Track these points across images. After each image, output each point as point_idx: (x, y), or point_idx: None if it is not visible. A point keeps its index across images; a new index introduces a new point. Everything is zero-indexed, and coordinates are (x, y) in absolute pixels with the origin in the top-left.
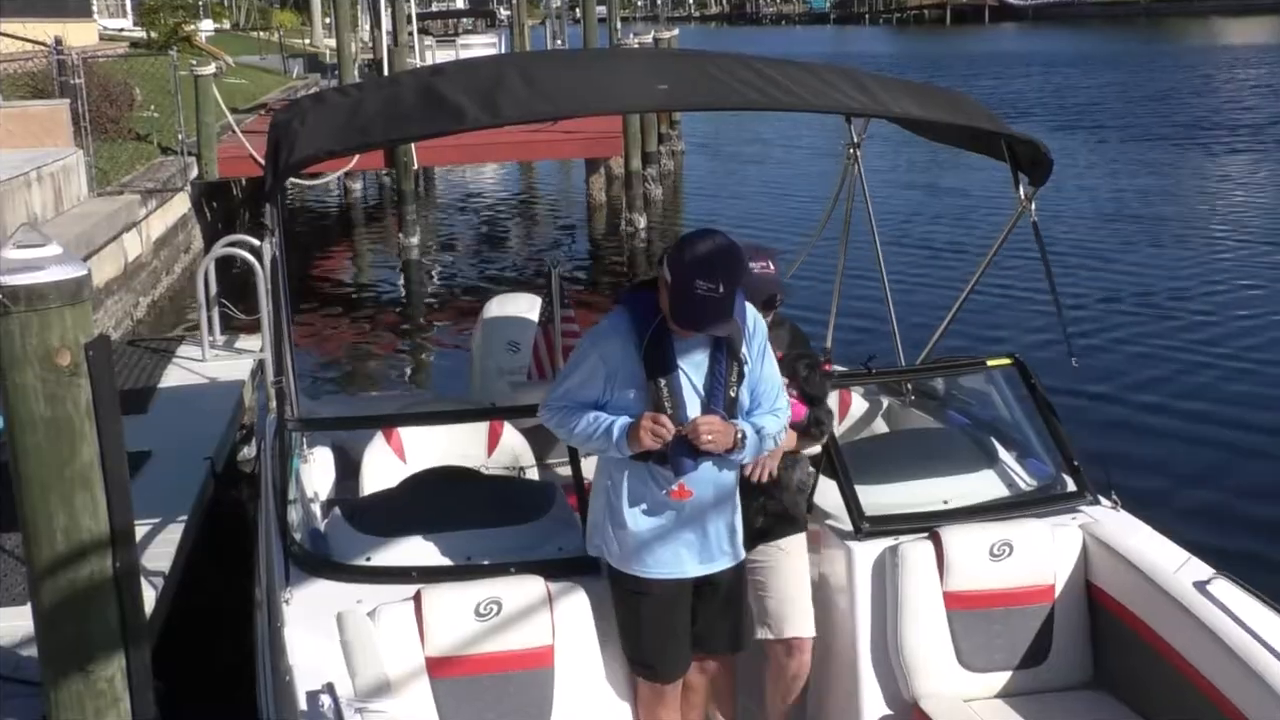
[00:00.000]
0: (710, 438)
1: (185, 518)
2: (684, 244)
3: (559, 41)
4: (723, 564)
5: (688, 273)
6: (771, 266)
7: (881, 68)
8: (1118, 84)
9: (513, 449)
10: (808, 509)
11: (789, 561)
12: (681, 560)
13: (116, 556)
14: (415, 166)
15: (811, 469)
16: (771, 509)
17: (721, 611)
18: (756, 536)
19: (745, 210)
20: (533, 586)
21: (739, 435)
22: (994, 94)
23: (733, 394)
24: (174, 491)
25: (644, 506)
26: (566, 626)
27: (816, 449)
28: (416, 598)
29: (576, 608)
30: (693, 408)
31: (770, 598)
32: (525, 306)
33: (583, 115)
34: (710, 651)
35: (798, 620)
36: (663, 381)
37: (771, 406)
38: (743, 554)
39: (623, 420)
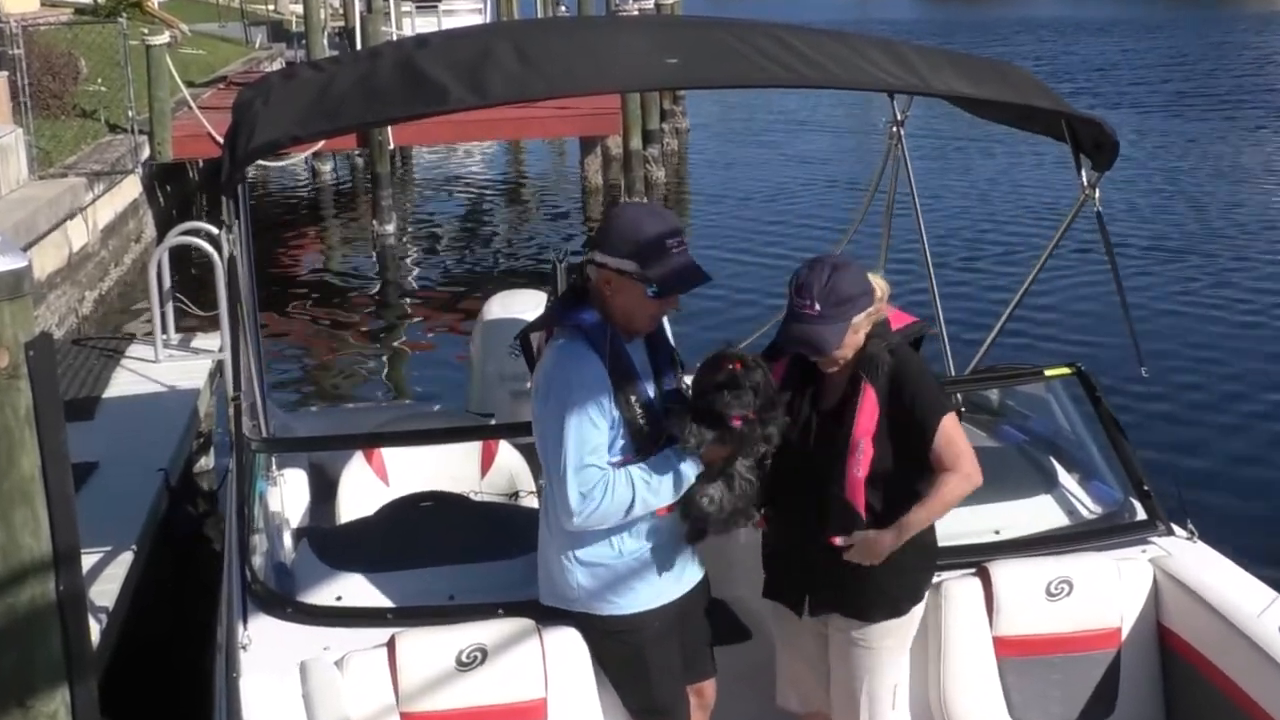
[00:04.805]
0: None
1: (136, 536)
2: (625, 225)
3: (562, 8)
4: (701, 570)
5: (659, 239)
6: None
7: (905, 36)
8: (1179, 56)
9: (509, 470)
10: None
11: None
12: (671, 581)
13: (60, 578)
14: (391, 146)
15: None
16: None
17: (702, 626)
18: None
19: (761, 197)
20: (523, 631)
21: None
22: (1034, 67)
23: (682, 388)
24: (124, 506)
25: (628, 533)
26: (561, 677)
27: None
28: (390, 644)
29: (572, 656)
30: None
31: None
32: (530, 305)
33: (582, 94)
34: (700, 675)
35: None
36: (633, 396)
37: None
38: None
39: (674, 458)
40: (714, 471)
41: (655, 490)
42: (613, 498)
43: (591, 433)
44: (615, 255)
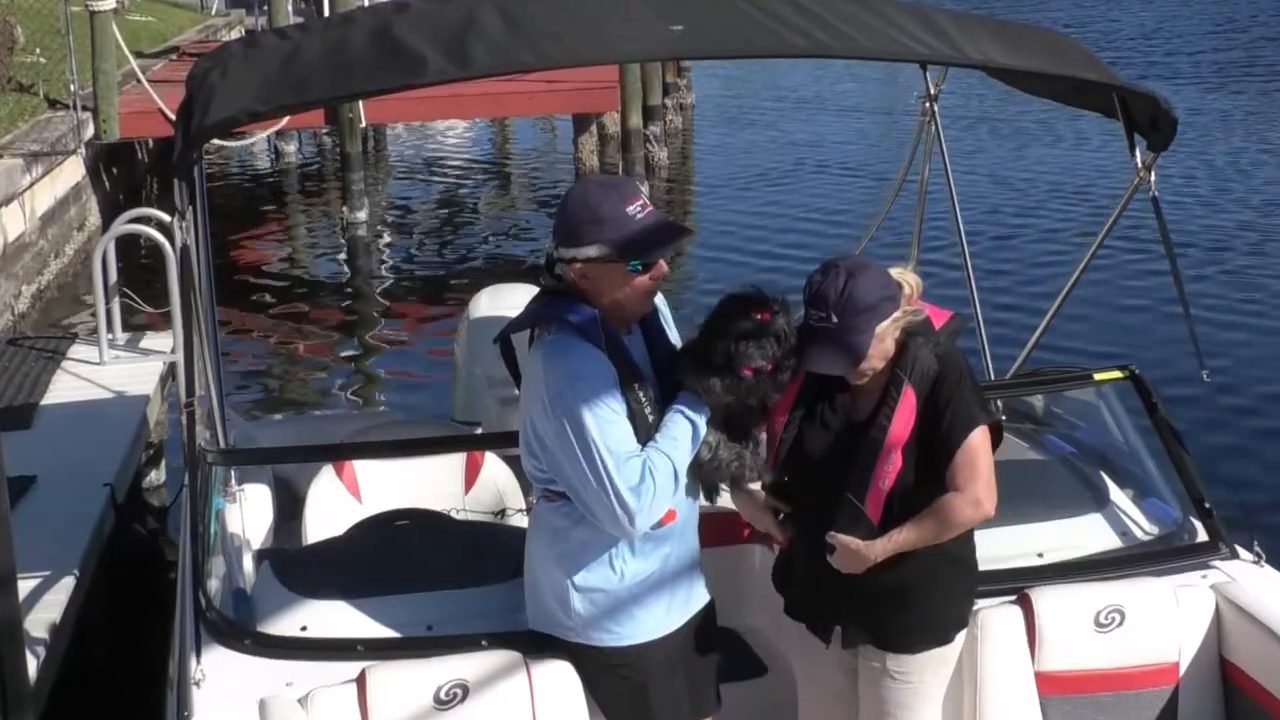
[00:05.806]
0: None
1: (79, 558)
2: (578, 209)
3: None
4: (706, 594)
5: (619, 208)
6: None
7: (935, 1)
8: (1236, 21)
9: (495, 485)
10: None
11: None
12: (676, 607)
13: None
14: (363, 124)
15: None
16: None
17: (707, 656)
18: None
19: (774, 181)
20: (509, 665)
21: None
22: (1074, 34)
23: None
24: (65, 525)
25: (629, 553)
26: (551, 715)
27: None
28: (360, 679)
29: (564, 691)
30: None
31: None
32: (521, 301)
33: (576, 66)
34: (701, 712)
35: None
36: (638, 385)
37: None
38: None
39: (685, 413)
40: (716, 419)
41: (683, 448)
42: (660, 476)
43: (614, 421)
44: (580, 244)
